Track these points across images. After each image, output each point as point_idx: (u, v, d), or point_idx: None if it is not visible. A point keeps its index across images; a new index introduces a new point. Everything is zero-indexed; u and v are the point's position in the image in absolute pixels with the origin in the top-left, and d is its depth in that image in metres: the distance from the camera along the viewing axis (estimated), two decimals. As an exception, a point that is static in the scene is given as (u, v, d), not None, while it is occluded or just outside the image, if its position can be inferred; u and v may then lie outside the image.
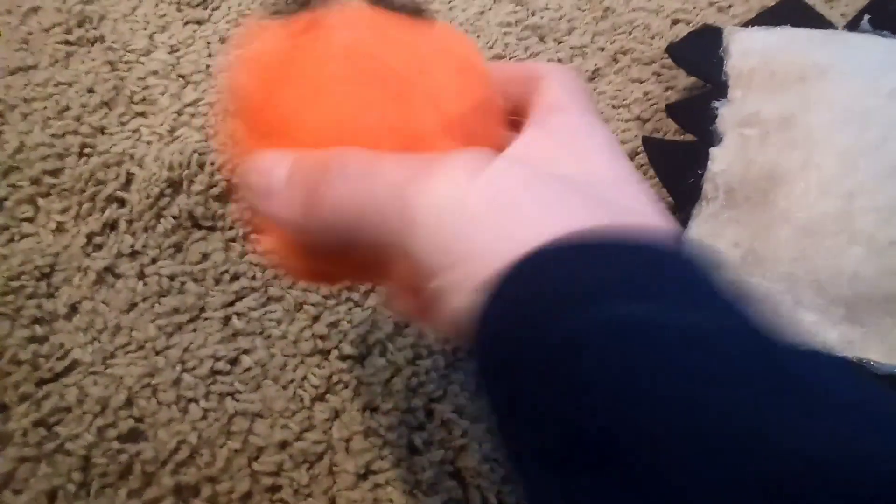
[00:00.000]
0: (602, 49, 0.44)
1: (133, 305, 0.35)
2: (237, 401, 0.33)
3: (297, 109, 0.17)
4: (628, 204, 0.18)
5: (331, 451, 0.32)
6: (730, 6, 0.46)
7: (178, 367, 0.33)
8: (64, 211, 0.37)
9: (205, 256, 0.36)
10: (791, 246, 0.32)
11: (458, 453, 0.32)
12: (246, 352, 0.34)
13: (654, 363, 0.13)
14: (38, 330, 0.34)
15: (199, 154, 0.38)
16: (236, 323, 0.35)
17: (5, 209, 0.37)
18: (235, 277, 0.36)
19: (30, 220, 0.37)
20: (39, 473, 0.31)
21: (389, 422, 0.32)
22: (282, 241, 0.19)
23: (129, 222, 0.37)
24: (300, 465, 0.31)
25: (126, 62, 0.42)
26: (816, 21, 0.41)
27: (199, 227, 0.37)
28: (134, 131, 0.39)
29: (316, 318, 0.35)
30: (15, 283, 0.35)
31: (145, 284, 0.35)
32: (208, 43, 0.43)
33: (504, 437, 0.16)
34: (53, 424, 0.32)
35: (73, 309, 0.35)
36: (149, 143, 0.39)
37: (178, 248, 0.36)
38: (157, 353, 0.34)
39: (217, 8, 0.44)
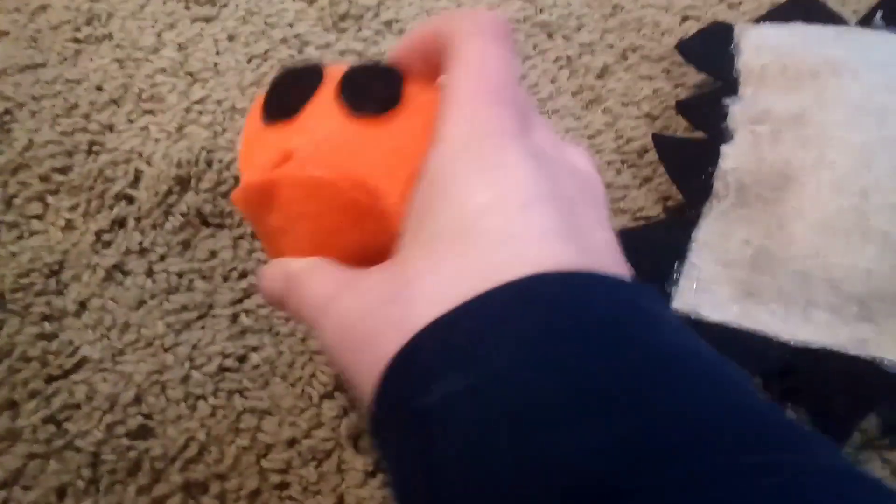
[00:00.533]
0: (611, 46, 0.44)
1: (142, 303, 0.35)
2: (245, 398, 0.33)
3: (281, 229, 0.22)
4: (524, 248, 0.17)
5: (339, 448, 0.32)
6: (740, 3, 0.46)
7: (187, 365, 0.33)
8: (73, 208, 0.37)
9: (213, 254, 0.36)
10: (804, 244, 0.32)
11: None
12: (254, 349, 0.34)
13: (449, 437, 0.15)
14: (48, 327, 0.34)
15: (208, 151, 0.38)
16: (245, 320, 0.34)
17: (14, 206, 0.37)
18: (244, 275, 0.36)
19: (39, 217, 0.37)
20: (49, 470, 0.31)
21: (398, 420, 0.32)
22: None
23: (138, 220, 0.37)
24: (308, 462, 0.31)
25: (134, 60, 0.42)
26: (828, 17, 0.41)
27: (208, 225, 0.37)
28: (142, 129, 0.39)
29: (324, 316, 0.35)
30: (24, 281, 0.35)
31: (154, 282, 0.35)
32: (216, 40, 0.43)
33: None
34: (63, 421, 0.32)
35: (82, 306, 0.35)
36: (157, 140, 0.39)
37: (186, 245, 0.36)
38: (166, 351, 0.34)
39: (225, 5, 0.44)
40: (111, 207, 0.37)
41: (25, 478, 0.31)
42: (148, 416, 0.32)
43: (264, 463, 0.31)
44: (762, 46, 0.39)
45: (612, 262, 0.19)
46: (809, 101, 0.35)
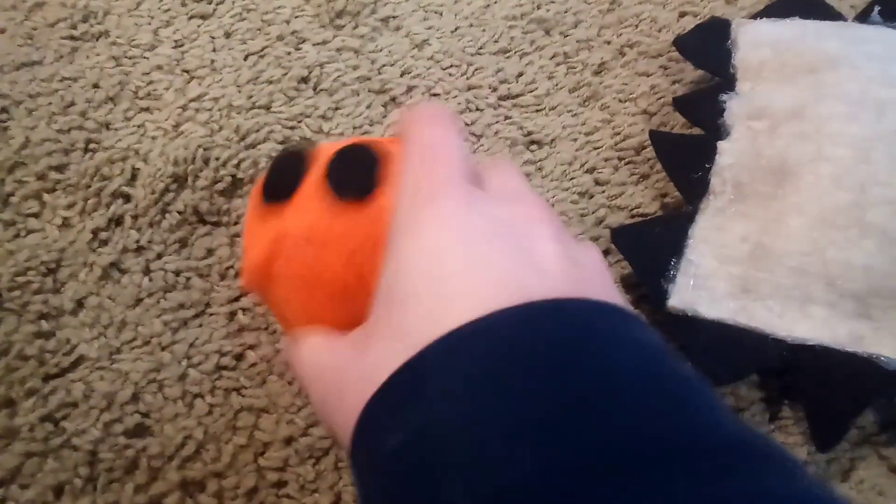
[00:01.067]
0: (608, 42, 0.44)
1: (139, 301, 0.35)
2: (243, 396, 0.33)
3: (283, 300, 0.25)
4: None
5: (337, 446, 0.32)
6: (738, -2, 0.45)
7: (184, 363, 0.33)
8: (69, 206, 0.37)
9: (210, 252, 0.36)
10: (801, 239, 0.32)
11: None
12: (251, 347, 0.34)
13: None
14: (45, 325, 0.34)
15: (204, 149, 0.38)
16: (242, 318, 0.34)
17: (11, 204, 0.37)
18: (240, 273, 0.36)
19: (35, 215, 0.37)
20: (46, 468, 0.31)
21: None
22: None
23: (135, 218, 0.37)
24: (306, 460, 0.31)
25: (130, 57, 0.42)
26: (826, 13, 0.41)
27: (205, 223, 0.37)
28: (139, 126, 0.39)
29: (321, 314, 0.35)
30: (21, 279, 0.35)
31: (151, 280, 0.35)
32: (213, 38, 0.43)
33: None
34: (60, 420, 0.32)
35: (80, 304, 0.35)
36: (153, 138, 0.39)
37: (183, 243, 0.36)
38: (163, 349, 0.34)
39: (221, 2, 0.44)
40: (108, 205, 0.37)
41: (23, 476, 0.31)
42: (145, 415, 0.32)
43: (262, 461, 0.31)
44: (759, 41, 0.39)
45: (565, 282, 0.19)
46: (807, 96, 0.35)
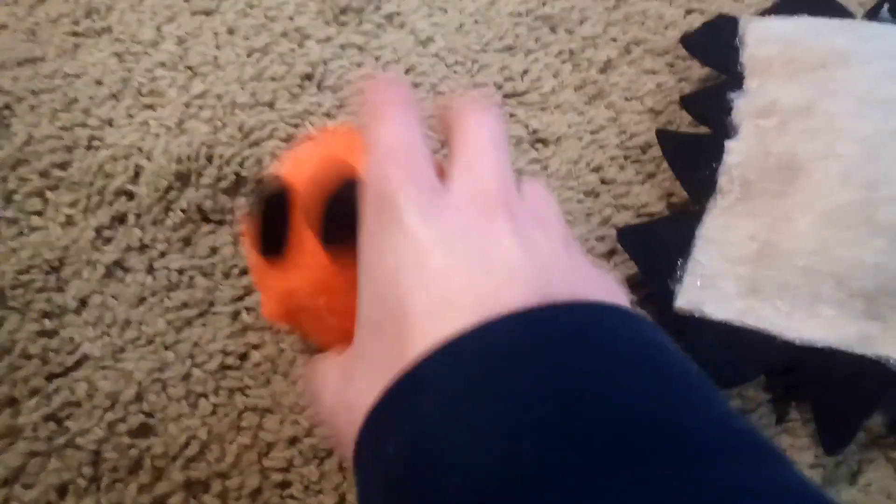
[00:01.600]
0: (614, 39, 0.44)
1: (142, 300, 0.35)
2: (247, 396, 0.33)
3: (305, 334, 0.31)
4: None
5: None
6: (745, -5, 0.45)
7: (188, 362, 0.33)
8: (72, 204, 0.37)
9: (214, 250, 0.36)
10: (810, 238, 0.32)
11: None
12: (255, 347, 0.34)
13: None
14: (48, 324, 0.34)
15: (208, 147, 0.37)
16: (245, 318, 0.34)
17: (14, 202, 0.37)
18: (244, 272, 0.35)
19: (38, 213, 0.37)
20: (49, 468, 0.31)
21: (400, 417, 0.32)
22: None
23: (138, 216, 0.36)
24: (310, 461, 0.31)
25: (133, 54, 0.42)
26: (834, 10, 0.40)
27: (208, 221, 0.37)
28: (142, 123, 0.39)
29: (326, 313, 0.34)
30: (24, 277, 0.35)
31: (154, 279, 0.35)
32: (216, 34, 0.43)
33: None
34: (63, 419, 0.32)
35: (83, 303, 0.35)
36: (157, 135, 0.39)
37: (186, 241, 0.36)
38: (167, 348, 0.33)
39: (225, -1, 0.44)
40: (111, 203, 0.37)
41: (26, 476, 0.30)
42: (149, 414, 0.32)
43: (266, 461, 0.31)
44: (767, 39, 0.38)
45: (525, 282, 0.19)
46: (816, 93, 0.35)
